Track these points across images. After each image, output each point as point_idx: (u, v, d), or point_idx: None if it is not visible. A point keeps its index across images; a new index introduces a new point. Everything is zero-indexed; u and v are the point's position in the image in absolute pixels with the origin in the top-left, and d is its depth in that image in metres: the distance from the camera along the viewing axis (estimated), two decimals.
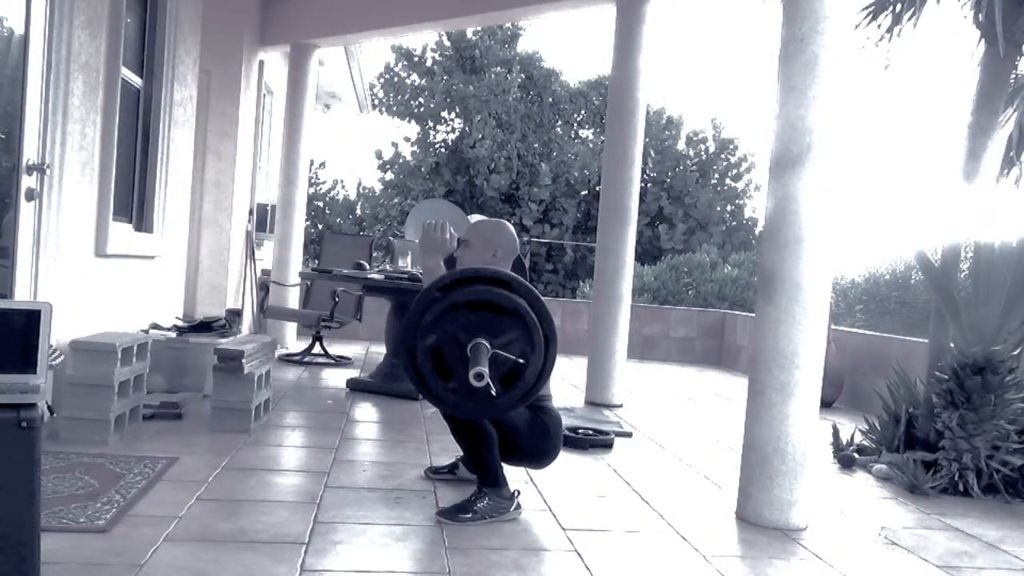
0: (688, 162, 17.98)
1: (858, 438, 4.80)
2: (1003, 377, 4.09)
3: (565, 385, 6.90)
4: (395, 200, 18.08)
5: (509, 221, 4.66)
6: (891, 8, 4.79)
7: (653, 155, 17.37)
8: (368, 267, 6.15)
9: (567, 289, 16.25)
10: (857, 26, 4.87)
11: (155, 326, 5.12)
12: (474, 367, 2.65)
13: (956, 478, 4.04)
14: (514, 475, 3.59)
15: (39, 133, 3.70)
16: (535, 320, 2.84)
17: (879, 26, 4.84)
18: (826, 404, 6.45)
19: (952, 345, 4.34)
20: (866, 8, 4.91)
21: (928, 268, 4.59)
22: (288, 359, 7.14)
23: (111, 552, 2.43)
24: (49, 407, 2.13)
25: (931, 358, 4.51)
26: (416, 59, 18.81)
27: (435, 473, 3.61)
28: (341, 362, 7.21)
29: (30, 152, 3.65)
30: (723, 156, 18.27)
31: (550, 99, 18.33)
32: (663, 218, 17.16)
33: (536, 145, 17.60)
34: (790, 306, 3.22)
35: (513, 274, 2.97)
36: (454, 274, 2.92)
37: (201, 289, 7.29)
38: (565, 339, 9.61)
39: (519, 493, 3.17)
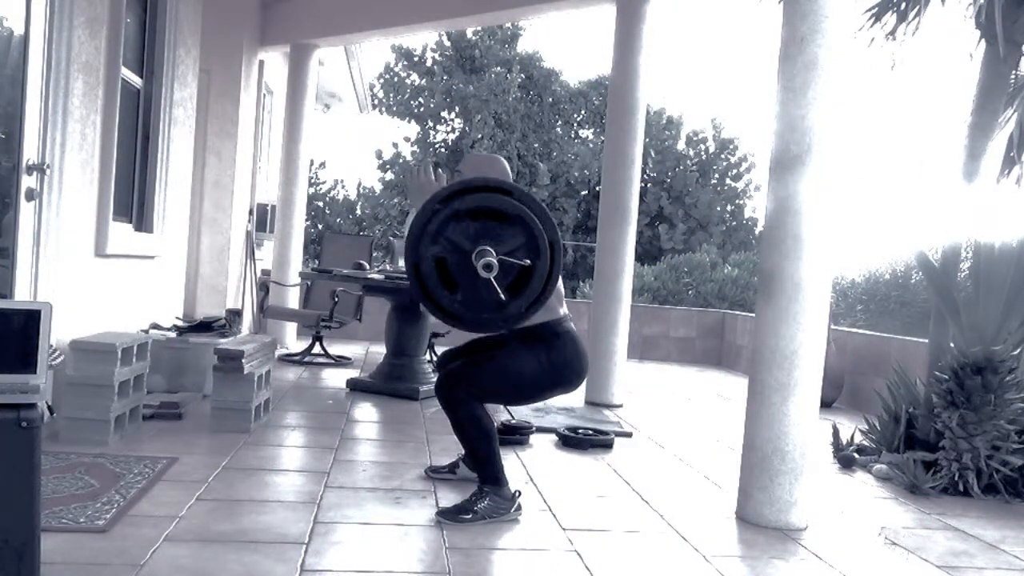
0: (688, 162, 17.99)
1: (858, 438, 4.81)
2: (1003, 377, 4.09)
3: None
4: (395, 200, 18.08)
5: None
6: (895, 8, 4.79)
7: (653, 155, 17.37)
8: (368, 267, 6.15)
9: (567, 289, 16.26)
10: (861, 28, 4.87)
11: (155, 326, 5.12)
12: (482, 260, 2.63)
13: (956, 478, 4.04)
14: (514, 475, 3.59)
15: (39, 133, 3.70)
16: (539, 225, 2.80)
17: (883, 26, 4.84)
18: (826, 404, 6.45)
19: (952, 345, 4.34)
20: (870, 9, 4.90)
21: (928, 268, 4.59)
22: (288, 359, 7.14)
23: (111, 552, 2.43)
24: (49, 407, 2.13)
25: (931, 358, 4.51)
26: (416, 59, 18.83)
27: (435, 472, 3.61)
28: (341, 362, 7.21)
29: (30, 152, 3.65)
30: (723, 156, 18.28)
31: (550, 99, 18.34)
32: (663, 218, 17.16)
33: (536, 145, 17.60)
34: (790, 306, 3.22)
35: (514, 183, 2.94)
36: (454, 185, 2.88)
37: (201, 289, 7.29)
38: None
39: (520, 494, 3.17)
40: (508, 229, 2.78)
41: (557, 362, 3.11)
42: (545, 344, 3.11)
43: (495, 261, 2.65)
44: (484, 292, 2.77)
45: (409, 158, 18.25)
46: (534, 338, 3.11)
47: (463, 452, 3.62)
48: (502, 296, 2.73)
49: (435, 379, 5.94)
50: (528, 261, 2.78)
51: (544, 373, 3.10)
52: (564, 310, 3.22)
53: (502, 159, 3.44)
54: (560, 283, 3.17)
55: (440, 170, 3.26)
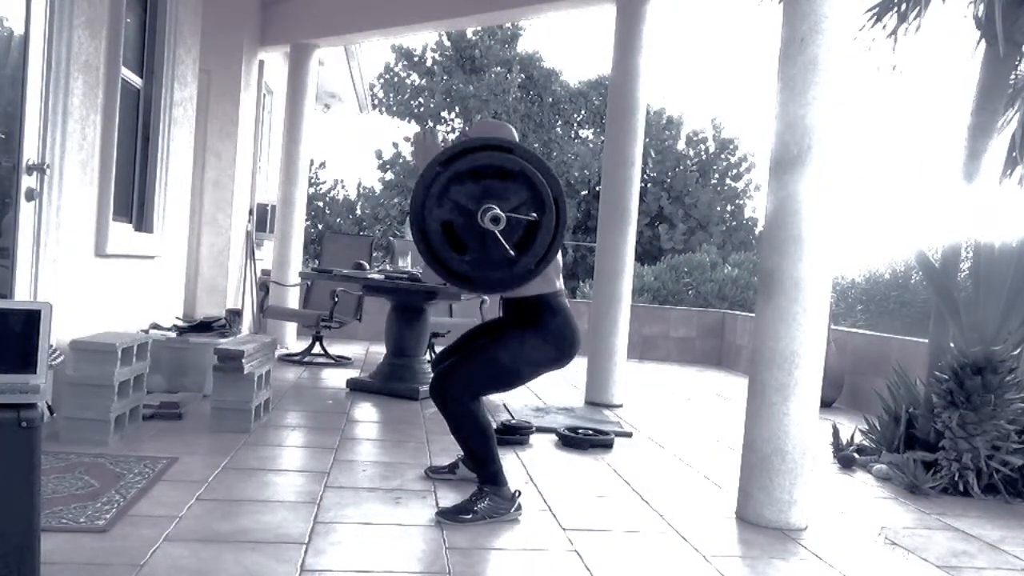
0: (688, 162, 17.99)
1: (858, 438, 4.81)
2: (1003, 377, 4.09)
3: (565, 385, 6.90)
4: (395, 200, 18.09)
5: None
6: (896, 8, 4.79)
7: (653, 155, 17.37)
8: (368, 267, 6.15)
9: (567, 289, 16.25)
10: (861, 28, 4.87)
11: (155, 326, 5.12)
12: (488, 213, 2.62)
13: (956, 478, 4.04)
14: (514, 475, 3.59)
15: (39, 133, 3.70)
16: (542, 180, 2.79)
17: (884, 27, 4.84)
18: (826, 404, 6.45)
19: (952, 345, 4.34)
20: (871, 9, 4.90)
21: (928, 268, 4.59)
22: (288, 359, 7.14)
23: (111, 552, 2.43)
24: (49, 407, 2.13)
25: (931, 358, 4.51)
26: (416, 59, 18.83)
27: (435, 473, 3.61)
28: (341, 362, 7.22)
29: (30, 152, 3.65)
30: (723, 156, 18.28)
31: (550, 99, 18.34)
32: (663, 218, 17.16)
33: (536, 145, 17.60)
34: (790, 306, 3.22)
35: (514, 140, 2.93)
36: (453, 147, 2.87)
37: (201, 289, 7.29)
38: None
39: (520, 494, 3.17)
40: (511, 186, 2.77)
41: (550, 339, 3.08)
42: (539, 320, 3.08)
43: (502, 214, 2.64)
44: (493, 251, 2.76)
45: (409, 158, 18.24)
46: (528, 313, 3.09)
47: (463, 452, 3.63)
48: (511, 253, 2.71)
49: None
50: (534, 215, 2.77)
51: (538, 352, 3.08)
52: (560, 283, 3.21)
53: (510, 126, 3.39)
54: (559, 256, 3.18)
55: (447, 137, 3.26)
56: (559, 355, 3.12)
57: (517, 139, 3.31)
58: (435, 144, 3.19)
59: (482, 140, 2.90)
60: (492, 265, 2.79)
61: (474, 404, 3.09)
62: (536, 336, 3.07)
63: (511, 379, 3.15)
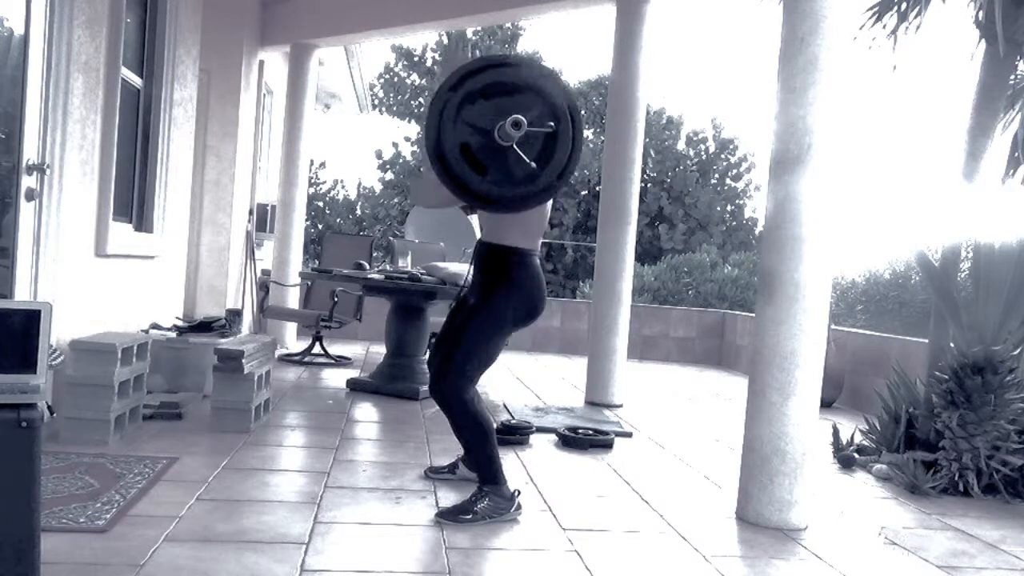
0: (688, 162, 17.98)
1: (858, 438, 4.81)
2: (1003, 377, 4.09)
3: (565, 385, 6.90)
4: (395, 200, 18.08)
5: None
6: (896, 8, 4.79)
7: (653, 155, 17.36)
8: (368, 267, 6.15)
9: (567, 289, 16.25)
10: (862, 27, 4.87)
11: (155, 326, 5.12)
12: (507, 121, 2.59)
13: (956, 478, 4.04)
14: (514, 475, 3.59)
15: (39, 133, 3.70)
16: (554, 90, 2.77)
17: (884, 26, 4.84)
18: (826, 404, 6.45)
19: (952, 345, 4.34)
20: (871, 8, 4.90)
21: (928, 268, 4.59)
22: (288, 359, 7.14)
23: (111, 552, 2.43)
24: (49, 407, 2.12)
25: (931, 358, 4.51)
26: (416, 59, 18.83)
27: (435, 473, 3.61)
28: (341, 362, 7.22)
29: (30, 152, 3.65)
30: (723, 156, 18.27)
31: None
32: (663, 218, 17.16)
33: None
34: (790, 306, 3.22)
35: (518, 56, 2.92)
36: (459, 70, 2.83)
37: (201, 289, 7.29)
38: (565, 339, 9.63)
39: (519, 493, 3.17)
40: (523, 100, 2.74)
41: (517, 298, 3.09)
42: (509, 277, 3.09)
43: (522, 117, 2.60)
44: (514, 168, 2.75)
45: (409, 158, 18.25)
46: (500, 268, 3.10)
47: (463, 452, 3.63)
48: (532, 165, 2.70)
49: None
50: (551, 124, 2.75)
51: (511, 310, 3.09)
52: (537, 244, 3.21)
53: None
54: (546, 220, 3.21)
55: (477, 51, 3.23)
56: (528, 313, 3.13)
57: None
58: (464, 58, 3.16)
59: (485, 60, 2.87)
60: (515, 182, 2.76)
61: (475, 401, 3.10)
62: (506, 297, 3.08)
63: (497, 345, 3.14)
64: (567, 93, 2.81)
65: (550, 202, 3.25)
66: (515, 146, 2.72)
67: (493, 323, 3.09)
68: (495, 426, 3.22)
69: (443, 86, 2.79)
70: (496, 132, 2.70)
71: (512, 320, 3.11)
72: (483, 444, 3.12)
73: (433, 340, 6.67)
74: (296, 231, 8.13)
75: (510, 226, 3.11)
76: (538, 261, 3.20)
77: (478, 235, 3.28)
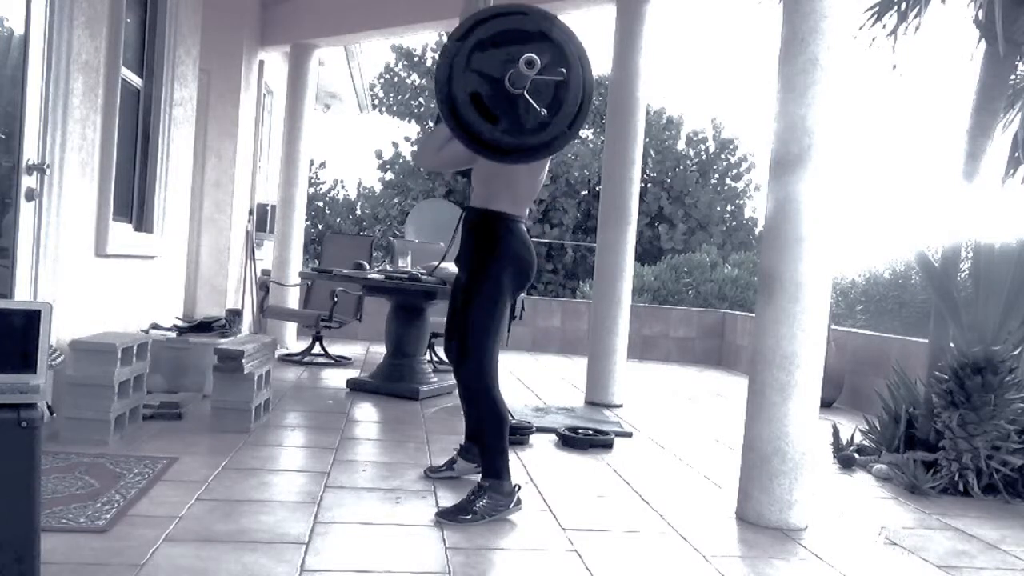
0: (688, 162, 17.97)
1: (858, 438, 4.81)
2: (1003, 377, 4.09)
3: (565, 385, 6.90)
4: (395, 200, 18.07)
5: None
6: (896, 8, 4.79)
7: (653, 155, 17.35)
8: (368, 267, 6.15)
9: (567, 289, 16.25)
10: (861, 27, 4.87)
11: (155, 326, 5.12)
12: (520, 61, 2.57)
13: (956, 478, 4.04)
14: (514, 475, 3.58)
15: (39, 133, 3.70)
16: (563, 37, 2.76)
17: (884, 26, 4.84)
18: (826, 404, 6.45)
19: (952, 345, 4.34)
20: (870, 8, 4.90)
21: (928, 268, 4.59)
22: (288, 359, 7.14)
23: (111, 552, 2.43)
24: (49, 407, 2.12)
25: (931, 358, 4.51)
26: (416, 59, 18.82)
27: (434, 473, 3.61)
28: (341, 362, 7.22)
29: (30, 152, 3.65)
30: (723, 156, 18.26)
31: None
32: (663, 218, 17.15)
33: None
34: (790, 306, 3.22)
35: (527, 3, 2.88)
36: (467, 20, 2.82)
37: (201, 289, 7.29)
38: (565, 339, 9.63)
39: (519, 488, 3.17)
40: (533, 48, 2.71)
41: (510, 263, 3.13)
42: (498, 245, 3.13)
43: (535, 57, 2.58)
44: (525, 117, 2.74)
45: (409, 158, 18.24)
46: (488, 235, 3.13)
47: (458, 446, 3.64)
48: (543, 112, 2.68)
49: (437, 379, 6.00)
50: (563, 71, 2.74)
51: (506, 277, 3.13)
52: (525, 212, 3.25)
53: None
54: (538, 188, 3.25)
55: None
56: (522, 276, 3.19)
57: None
58: (486, 3, 3.14)
59: (493, 9, 2.86)
60: (527, 131, 2.76)
61: (496, 387, 3.15)
62: (500, 266, 3.12)
63: (503, 314, 3.17)
64: (576, 41, 2.79)
65: (544, 170, 3.26)
66: (526, 94, 2.70)
67: (493, 295, 3.13)
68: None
69: (452, 35, 2.78)
70: (507, 79, 2.69)
71: (510, 286, 3.16)
72: (497, 434, 3.13)
73: (433, 340, 6.72)
74: (296, 231, 8.13)
75: (501, 192, 3.15)
76: (524, 228, 3.24)
77: None
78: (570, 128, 2.81)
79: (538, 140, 2.80)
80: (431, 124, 18.11)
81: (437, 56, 3.01)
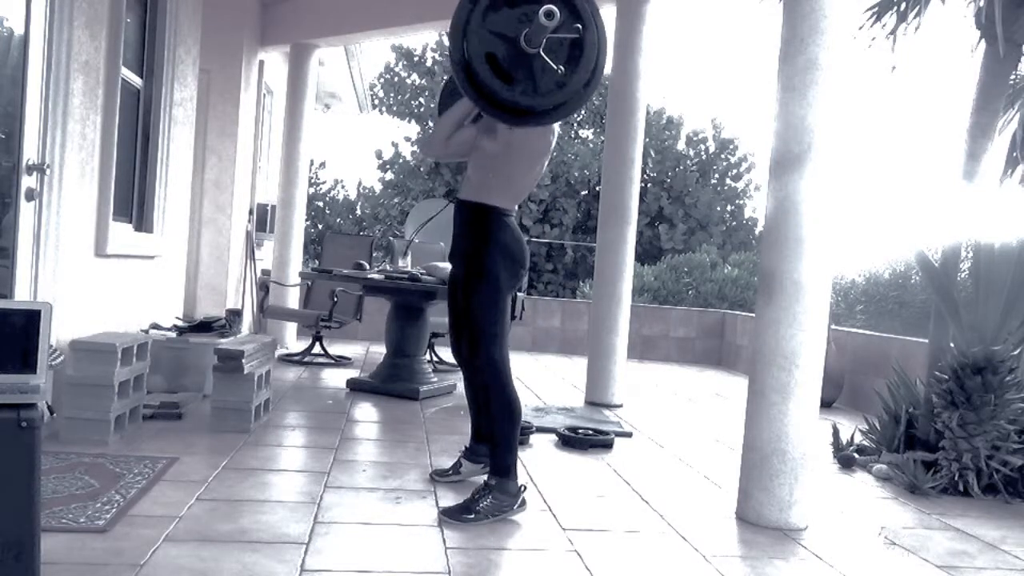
0: (688, 162, 17.97)
1: (858, 438, 4.81)
2: (1003, 377, 4.09)
3: (565, 385, 6.90)
4: (395, 200, 18.06)
5: None
6: (895, 8, 4.79)
7: (653, 155, 17.35)
8: (368, 267, 6.15)
9: (567, 289, 16.25)
10: (861, 27, 4.87)
11: (155, 326, 5.12)
12: (539, 12, 2.54)
13: (956, 478, 4.04)
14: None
15: (39, 133, 3.70)
16: None
17: (883, 26, 4.84)
18: (826, 404, 6.45)
19: (952, 345, 4.34)
20: (870, 8, 4.90)
21: (928, 268, 4.59)
22: (288, 359, 7.14)
23: (111, 552, 2.43)
24: (49, 407, 2.13)
25: (931, 358, 4.51)
26: (416, 59, 18.81)
27: (440, 476, 3.58)
28: (341, 362, 7.22)
29: (30, 152, 3.65)
30: (723, 156, 18.26)
31: None
32: (663, 218, 17.15)
33: None
34: (790, 306, 3.22)
35: None
36: None
37: (201, 289, 7.29)
38: (565, 339, 9.63)
39: (525, 488, 3.18)
40: (547, 6, 2.67)
41: (502, 256, 3.14)
42: (489, 239, 3.14)
43: (553, 8, 2.55)
44: (540, 79, 2.72)
45: (409, 158, 18.24)
46: (480, 230, 3.15)
47: (464, 448, 3.63)
48: (559, 70, 2.67)
49: (437, 379, 6.00)
50: (579, 27, 2.71)
51: (502, 271, 3.14)
52: (515, 207, 3.26)
53: None
54: (536, 181, 3.27)
55: None
56: (516, 268, 3.20)
57: None
58: None
59: None
60: (543, 92, 2.74)
61: (511, 382, 3.18)
62: (494, 260, 3.13)
63: (505, 304, 3.19)
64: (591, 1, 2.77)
65: (543, 163, 3.26)
66: (542, 52, 2.68)
67: (491, 290, 3.15)
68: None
69: None
70: (522, 38, 2.68)
71: (506, 279, 3.17)
72: (508, 428, 3.15)
73: (433, 340, 6.71)
74: (296, 231, 8.13)
75: (499, 185, 3.16)
76: (514, 223, 3.26)
77: None
78: (585, 88, 2.79)
79: (553, 101, 2.78)
80: (431, 124, 18.12)
81: (454, 12, 2.97)
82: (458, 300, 3.30)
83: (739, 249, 15.76)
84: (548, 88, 2.74)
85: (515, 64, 2.72)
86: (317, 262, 8.67)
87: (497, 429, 3.19)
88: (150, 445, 3.77)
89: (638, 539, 2.99)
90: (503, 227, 3.18)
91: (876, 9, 4.89)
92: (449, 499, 3.23)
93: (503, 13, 2.71)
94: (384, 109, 18.88)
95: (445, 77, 18.30)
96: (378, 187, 18.85)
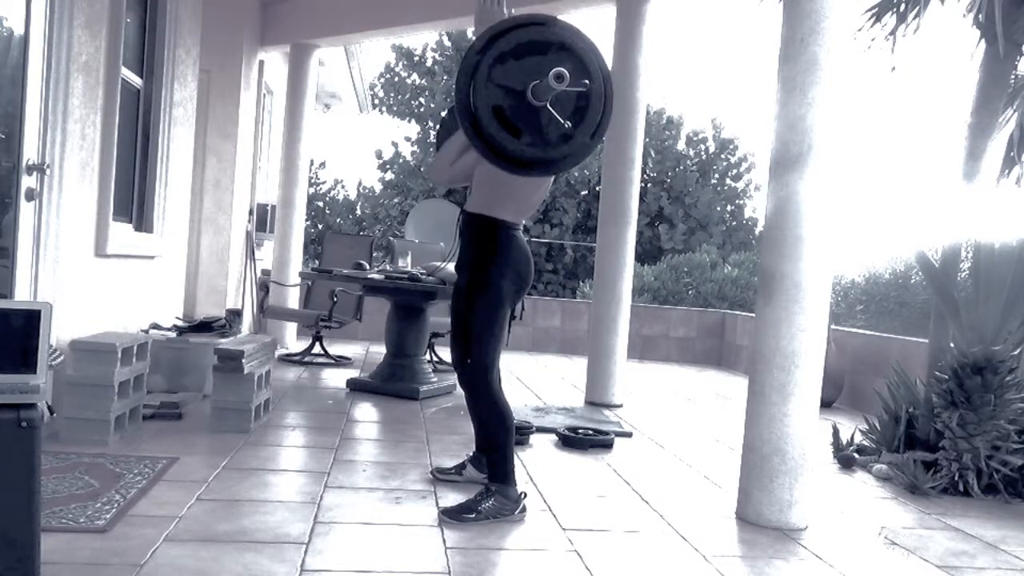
0: (688, 162, 17.97)
1: (858, 438, 4.81)
2: (1003, 377, 4.09)
3: (565, 385, 6.90)
4: (395, 200, 18.07)
5: None
6: (895, 8, 4.79)
7: (653, 155, 17.36)
8: (368, 267, 6.15)
9: (567, 289, 16.25)
10: (860, 28, 4.87)
11: (155, 326, 5.12)
12: (549, 75, 2.56)
13: (956, 478, 4.04)
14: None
15: (39, 133, 3.70)
16: (584, 48, 2.76)
17: (883, 26, 4.84)
18: (826, 404, 6.45)
19: (952, 345, 4.34)
20: (870, 9, 4.90)
21: (928, 268, 4.59)
22: (288, 359, 7.14)
23: (111, 552, 2.43)
24: (49, 407, 2.13)
25: (931, 358, 4.51)
26: (416, 59, 18.82)
27: (442, 474, 3.59)
28: (341, 362, 7.22)
29: (30, 152, 3.65)
30: (723, 156, 18.27)
31: None
32: (663, 218, 17.15)
33: None
34: (790, 306, 3.22)
35: (547, 15, 2.87)
36: (485, 33, 2.81)
37: (201, 289, 7.29)
38: (565, 339, 9.63)
39: (525, 495, 3.18)
40: (554, 59, 2.71)
41: (509, 270, 3.12)
42: (495, 252, 3.11)
43: (564, 70, 2.57)
44: (547, 130, 2.74)
45: (409, 158, 18.24)
46: (486, 243, 3.12)
47: (470, 453, 3.63)
48: (566, 124, 2.69)
49: (437, 379, 6.00)
50: (586, 81, 2.73)
51: (505, 285, 3.12)
52: (522, 221, 3.23)
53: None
54: (540, 200, 3.24)
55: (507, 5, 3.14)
56: (520, 284, 3.18)
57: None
58: (500, 11, 3.07)
59: (513, 20, 2.85)
60: (551, 144, 2.76)
61: (500, 391, 3.17)
62: (500, 273, 3.11)
63: (503, 319, 3.18)
64: (596, 51, 2.79)
65: (549, 183, 3.26)
66: (548, 106, 2.69)
67: (493, 302, 3.12)
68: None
69: (472, 48, 2.76)
70: (529, 91, 2.69)
71: (510, 293, 3.15)
72: (501, 438, 3.14)
73: (433, 340, 6.71)
74: (296, 231, 8.13)
75: (504, 200, 3.13)
76: (521, 236, 3.23)
77: None
78: (592, 138, 2.81)
79: (560, 152, 2.80)
80: (431, 123, 18.13)
81: (458, 67, 2.98)
82: (460, 310, 3.28)
83: (739, 249, 15.77)
84: (555, 140, 2.75)
85: (522, 116, 2.73)
86: (317, 262, 8.67)
87: (491, 438, 3.19)
88: (150, 445, 3.77)
89: (638, 539, 2.99)
90: (512, 241, 3.15)
91: (876, 10, 4.89)
92: (449, 499, 3.23)
93: (509, 66, 2.72)
94: (384, 109, 18.89)
95: (445, 77, 18.30)
96: (378, 187, 18.86)
